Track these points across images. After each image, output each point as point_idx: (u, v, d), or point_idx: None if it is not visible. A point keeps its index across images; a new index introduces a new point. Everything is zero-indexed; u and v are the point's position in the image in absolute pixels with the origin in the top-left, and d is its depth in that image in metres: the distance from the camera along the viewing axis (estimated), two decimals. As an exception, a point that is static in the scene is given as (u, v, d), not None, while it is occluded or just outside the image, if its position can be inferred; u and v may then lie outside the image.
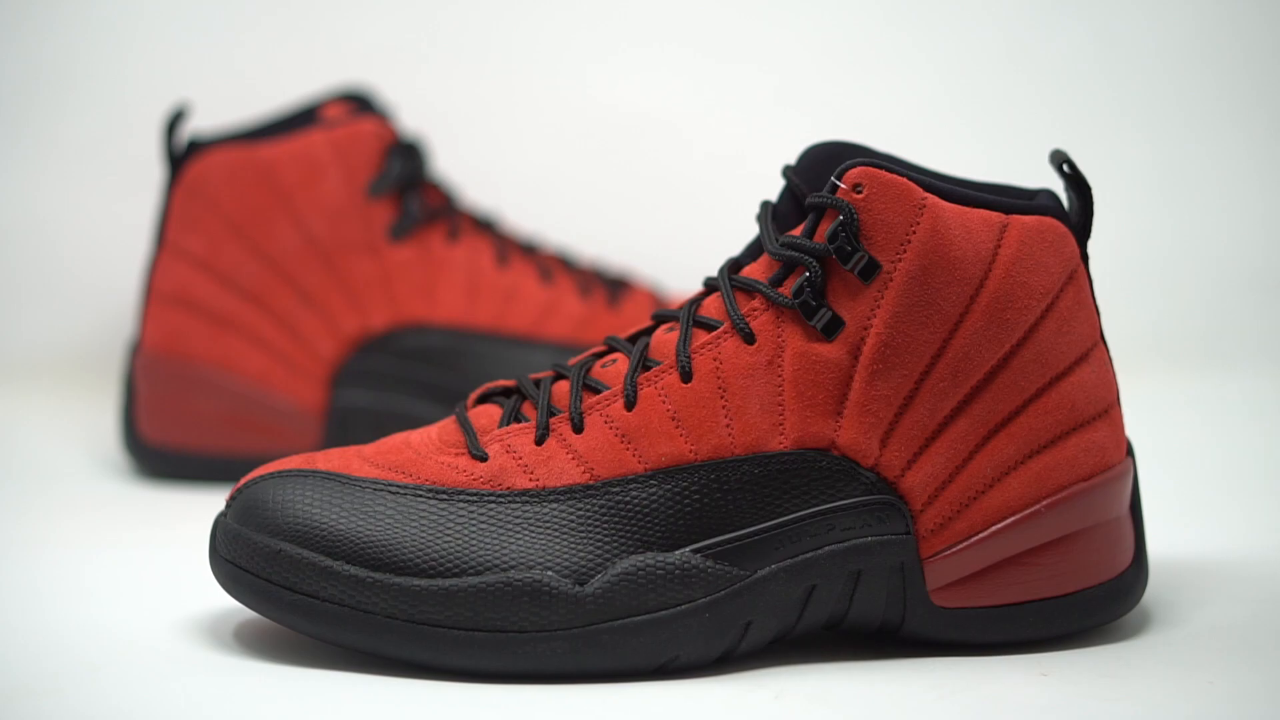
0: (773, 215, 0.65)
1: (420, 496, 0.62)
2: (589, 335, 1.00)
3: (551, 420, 0.64)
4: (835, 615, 0.64)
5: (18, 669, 0.61)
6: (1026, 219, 0.64)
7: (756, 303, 0.64)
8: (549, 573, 0.61)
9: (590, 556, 0.61)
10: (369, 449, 0.66)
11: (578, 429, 0.64)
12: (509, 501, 0.62)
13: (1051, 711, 0.59)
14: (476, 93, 1.28)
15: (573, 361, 0.67)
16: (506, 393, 0.67)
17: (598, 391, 0.64)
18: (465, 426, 0.65)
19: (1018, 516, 0.64)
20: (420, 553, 0.61)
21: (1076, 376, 0.65)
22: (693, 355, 0.64)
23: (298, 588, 0.61)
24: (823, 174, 0.64)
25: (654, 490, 0.62)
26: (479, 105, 1.28)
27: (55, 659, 0.62)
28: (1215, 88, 1.32)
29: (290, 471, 0.64)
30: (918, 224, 0.62)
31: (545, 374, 0.67)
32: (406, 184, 1.00)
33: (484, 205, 1.14)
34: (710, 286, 0.66)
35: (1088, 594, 0.65)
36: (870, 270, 0.62)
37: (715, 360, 0.63)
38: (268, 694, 0.59)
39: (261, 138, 0.99)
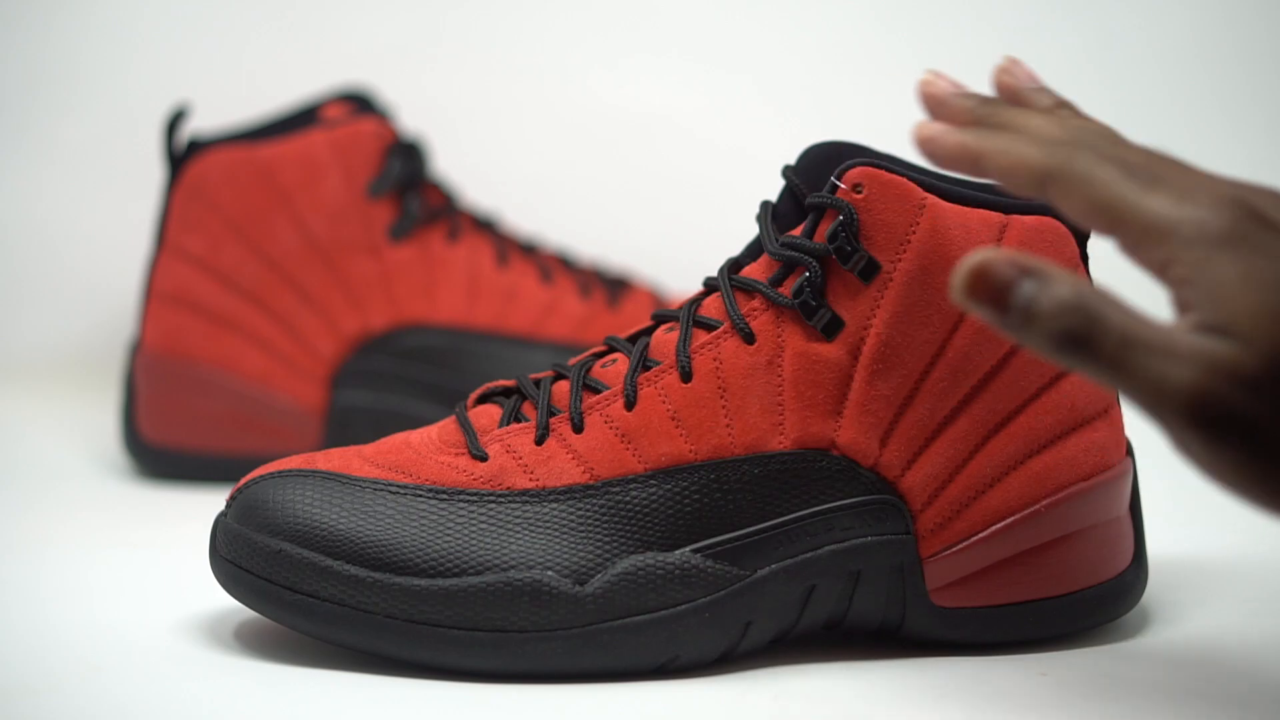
0: (773, 215, 0.65)
1: (420, 496, 0.62)
2: (589, 335, 1.00)
3: (551, 420, 0.64)
4: (835, 615, 0.64)
5: (18, 669, 0.61)
6: (1026, 219, 0.64)
7: (756, 303, 0.64)
8: (549, 572, 0.61)
9: (590, 556, 0.61)
10: (369, 449, 0.66)
11: (578, 429, 0.64)
12: (509, 501, 0.62)
13: (1051, 711, 0.58)
14: (476, 93, 1.28)
15: (573, 361, 0.67)
16: (506, 393, 0.67)
17: (598, 391, 0.64)
18: (465, 426, 0.65)
19: (1017, 516, 0.64)
20: (420, 553, 0.61)
21: (1076, 376, 0.64)
22: (693, 355, 0.63)
23: (298, 587, 0.61)
24: (823, 174, 0.64)
25: (654, 490, 0.62)
26: (479, 105, 1.28)
27: (55, 659, 0.62)
28: (1214, 88, 1.32)
29: (290, 471, 0.64)
30: (918, 224, 0.62)
31: (545, 374, 0.67)
32: (406, 184, 1.00)
33: (484, 205, 1.14)
34: (710, 286, 0.66)
35: (1088, 594, 0.65)
36: (870, 270, 0.62)
37: (715, 360, 0.63)
38: (268, 694, 0.59)
39: (261, 138, 0.99)
